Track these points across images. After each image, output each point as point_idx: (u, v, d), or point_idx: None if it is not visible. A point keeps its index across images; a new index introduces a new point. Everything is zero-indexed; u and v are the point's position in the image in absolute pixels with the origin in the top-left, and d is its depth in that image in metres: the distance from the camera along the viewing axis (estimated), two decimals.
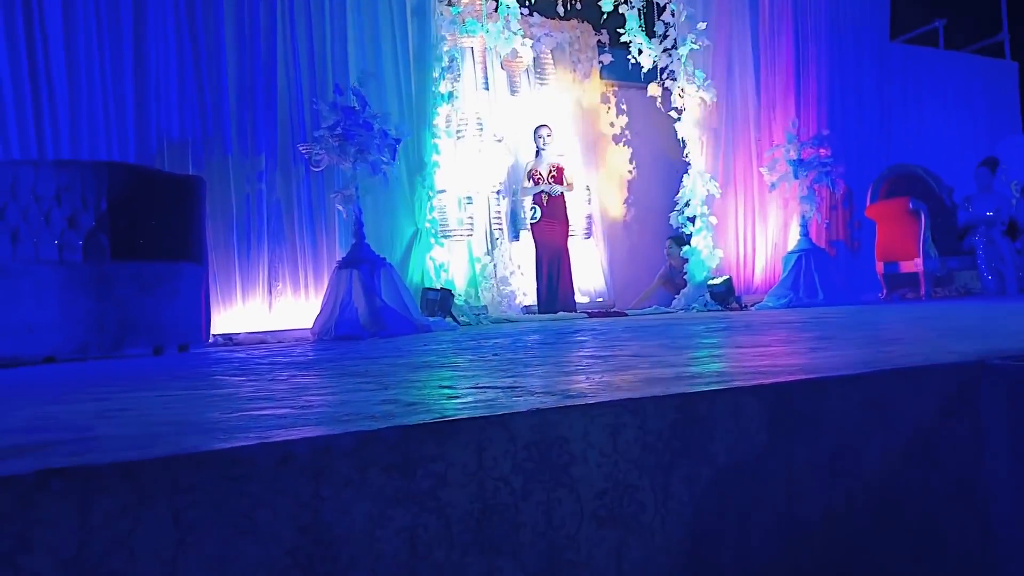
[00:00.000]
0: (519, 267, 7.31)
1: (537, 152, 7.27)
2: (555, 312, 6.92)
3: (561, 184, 7.18)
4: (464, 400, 1.50)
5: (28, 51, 5.13)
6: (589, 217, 7.97)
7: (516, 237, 7.55)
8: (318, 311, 5.48)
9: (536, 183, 7.20)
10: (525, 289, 7.31)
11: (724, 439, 1.40)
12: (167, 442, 1.15)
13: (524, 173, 7.31)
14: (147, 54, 5.51)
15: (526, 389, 1.62)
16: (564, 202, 7.31)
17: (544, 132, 7.29)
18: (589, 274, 7.86)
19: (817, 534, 1.52)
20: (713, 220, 7.39)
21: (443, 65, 6.54)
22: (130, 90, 5.47)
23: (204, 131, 5.71)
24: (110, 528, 0.95)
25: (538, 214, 7.14)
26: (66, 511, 0.94)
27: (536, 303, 7.20)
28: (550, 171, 7.21)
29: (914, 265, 7.43)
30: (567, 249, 7.27)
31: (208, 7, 5.70)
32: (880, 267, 7.71)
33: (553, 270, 7.12)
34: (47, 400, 2.05)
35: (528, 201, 7.30)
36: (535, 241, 7.20)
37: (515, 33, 7.09)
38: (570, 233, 7.36)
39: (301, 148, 5.66)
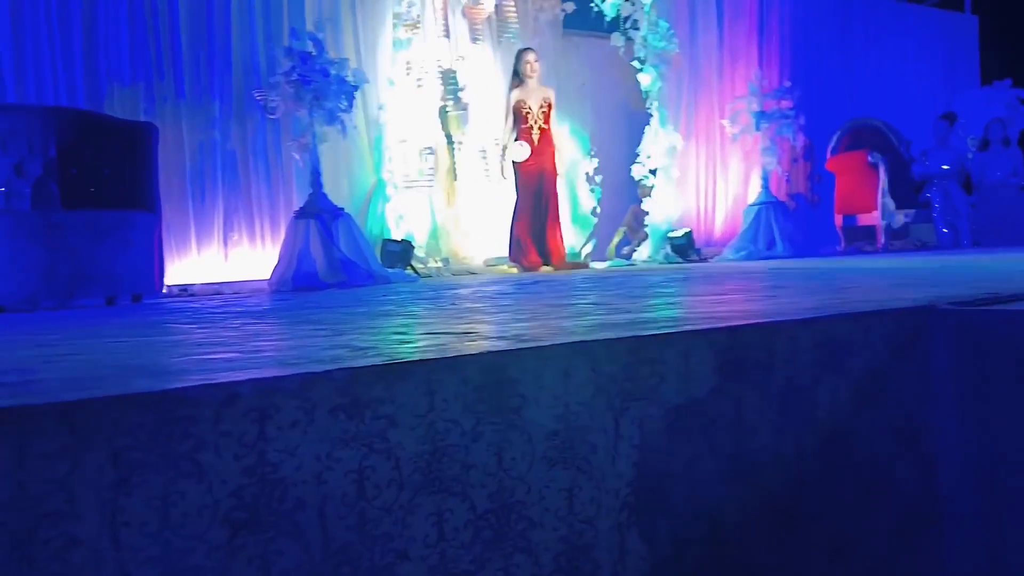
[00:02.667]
0: (482, 218, 7.22)
1: (520, 80, 6.57)
2: (541, 265, 6.42)
3: (549, 120, 6.53)
4: (416, 345, 1.49)
5: None
6: None
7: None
8: (275, 262, 5.41)
9: (524, 118, 6.51)
10: (488, 240, 7.24)
11: (675, 382, 1.41)
12: (109, 384, 1.13)
13: (507, 106, 6.62)
14: None
15: (480, 334, 1.61)
16: (551, 137, 6.65)
17: (531, 57, 6.53)
18: None
19: (766, 474, 1.54)
20: (675, 172, 7.39)
21: (401, 11, 6.40)
22: (78, 33, 5.28)
23: (156, 76, 5.53)
24: (48, 469, 0.93)
25: (527, 151, 6.46)
26: (2, 453, 0.91)
27: (508, 253, 6.63)
28: (540, 106, 6.55)
29: (872, 218, 7.52)
30: (556, 191, 6.60)
31: None
32: (839, 220, 7.80)
33: (542, 215, 6.45)
34: None
35: (509, 135, 6.61)
36: (519, 183, 6.54)
37: None
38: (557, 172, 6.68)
39: (256, 95, 5.53)
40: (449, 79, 6.84)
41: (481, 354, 1.25)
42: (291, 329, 2.03)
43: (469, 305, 2.76)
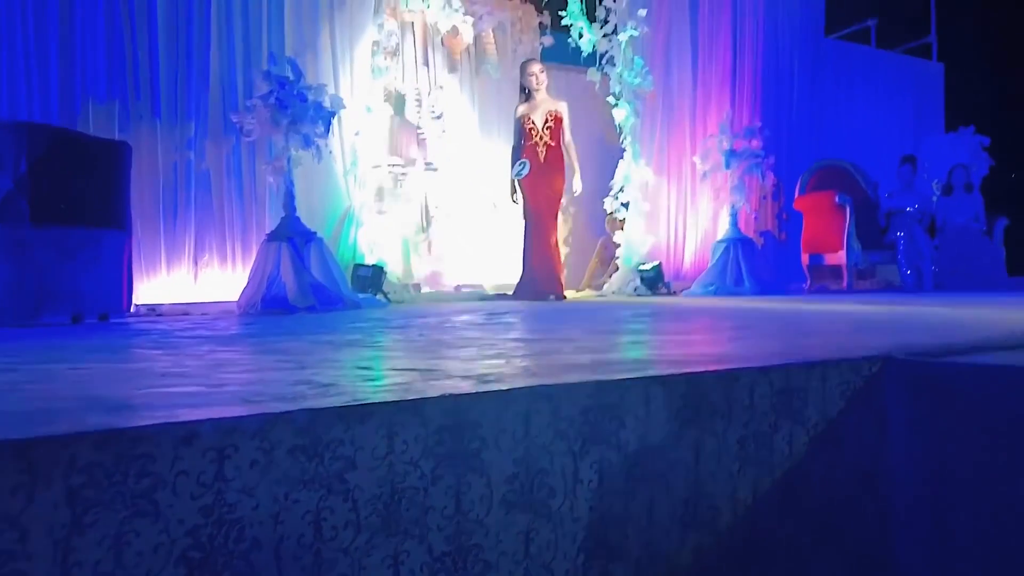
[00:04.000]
0: (454, 245, 7.25)
1: (527, 94, 6.22)
2: (530, 298, 6.03)
3: (558, 137, 6.06)
4: (379, 383, 1.50)
5: None
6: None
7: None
8: (245, 284, 5.39)
9: (528, 134, 6.12)
10: (459, 267, 7.27)
11: (634, 426, 1.43)
12: (68, 419, 1.12)
13: (514, 122, 6.30)
14: (73, 9, 5.30)
15: (444, 372, 1.62)
16: (561, 155, 6.23)
17: (536, 68, 6.14)
18: None
19: (723, 519, 1.56)
20: (646, 206, 7.47)
21: (380, 39, 6.45)
22: (54, 48, 5.26)
23: (133, 95, 5.53)
24: (0, 506, 0.93)
25: (526, 169, 6.05)
26: None
27: (527, 287, 6.19)
28: (546, 121, 6.15)
29: (838, 258, 7.63)
30: (554, 215, 6.17)
31: None
32: (805, 258, 7.90)
33: (534, 242, 6.07)
34: None
35: (513, 155, 6.34)
36: (525, 203, 6.18)
37: (456, 10, 7.03)
38: (563, 191, 6.25)
39: (233, 117, 5.53)
40: (426, 107, 6.90)
41: (442, 397, 1.26)
42: (255, 359, 2.03)
43: (436, 337, 2.76)
